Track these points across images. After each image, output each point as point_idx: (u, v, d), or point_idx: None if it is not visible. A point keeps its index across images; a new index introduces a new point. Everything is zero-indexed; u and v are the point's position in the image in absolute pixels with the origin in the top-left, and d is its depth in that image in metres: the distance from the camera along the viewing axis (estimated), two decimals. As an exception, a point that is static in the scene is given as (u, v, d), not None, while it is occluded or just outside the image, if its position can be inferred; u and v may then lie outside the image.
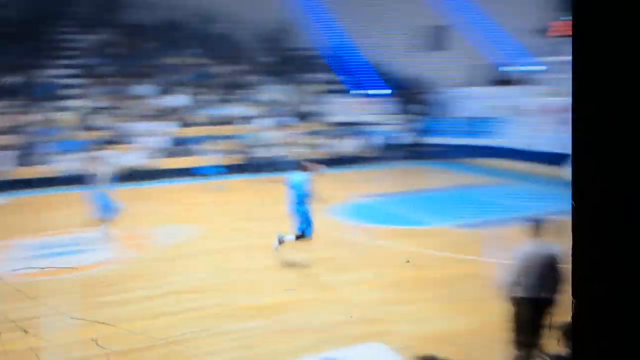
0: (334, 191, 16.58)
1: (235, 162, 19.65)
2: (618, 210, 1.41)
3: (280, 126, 21.87)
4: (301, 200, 9.13)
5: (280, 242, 9.20)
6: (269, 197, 15.51)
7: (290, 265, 9.05)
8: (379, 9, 24.67)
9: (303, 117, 23.30)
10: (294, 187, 9.20)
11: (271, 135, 20.95)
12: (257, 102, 23.45)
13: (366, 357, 5.95)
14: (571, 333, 2.12)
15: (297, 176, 9.29)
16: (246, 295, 7.65)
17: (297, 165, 9.66)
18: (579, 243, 1.53)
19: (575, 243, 1.54)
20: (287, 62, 27.07)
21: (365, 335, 6.32)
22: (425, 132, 23.37)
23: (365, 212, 13.41)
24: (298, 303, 7.24)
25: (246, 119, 22.12)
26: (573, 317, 1.58)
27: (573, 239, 1.53)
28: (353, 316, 6.88)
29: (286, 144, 20.62)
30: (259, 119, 22.05)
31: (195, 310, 7.04)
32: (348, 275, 8.54)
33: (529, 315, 5.09)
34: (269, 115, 22.36)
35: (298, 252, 9.55)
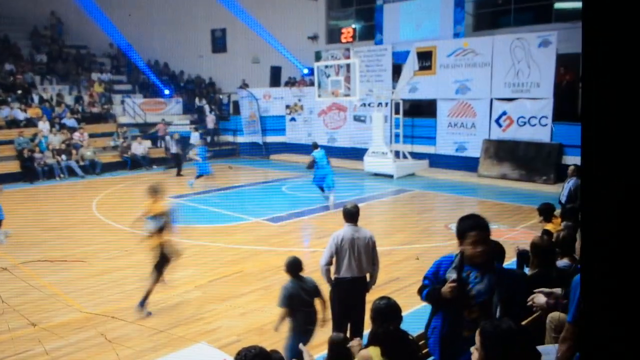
0: (144, 193, 15.91)
1: (12, 170, 17.50)
2: (628, 212, 1.46)
3: (63, 129, 19.94)
4: (327, 170, 12.90)
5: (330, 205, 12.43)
6: (53, 205, 14.33)
7: (109, 271, 8.56)
8: (161, 10, 24.28)
9: (87, 118, 21.57)
10: (320, 160, 12.86)
11: (52, 139, 18.98)
12: (34, 104, 21.02)
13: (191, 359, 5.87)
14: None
15: (319, 152, 12.97)
16: (62, 310, 6.97)
17: (314, 145, 13.51)
18: (588, 248, 1.57)
19: (584, 247, 1.58)
20: (66, 61, 24.86)
21: (191, 336, 6.24)
22: (218, 131, 23.48)
23: (178, 213, 13.10)
24: (121, 311, 6.80)
25: (23, 122, 19.70)
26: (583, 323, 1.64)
27: (582, 243, 1.60)
28: (179, 318, 6.73)
29: (70, 147, 18.91)
30: (37, 121, 19.71)
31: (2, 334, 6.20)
32: (168, 277, 8.28)
33: (348, 294, 5.50)
34: (49, 118, 20.15)
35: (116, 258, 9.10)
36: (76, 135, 19.56)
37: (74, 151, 18.82)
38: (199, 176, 16.04)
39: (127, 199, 15.13)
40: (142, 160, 19.86)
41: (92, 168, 18.72)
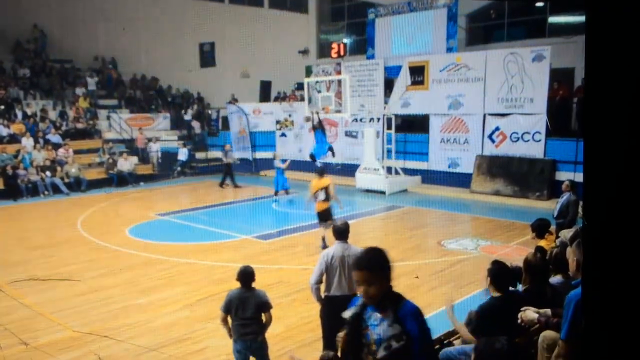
0: (130, 211, 15.98)
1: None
2: (629, 226, 1.51)
3: (47, 145, 19.90)
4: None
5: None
6: (38, 223, 14.33)
7: (95, 290, 8.59)
8: (147, 23, 24.49)
9: (72, 134, 21.59)
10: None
11: (36, 155, 18.96)
12: (17, 119, 21.01)
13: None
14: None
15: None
16: (48, 330, 7.00)
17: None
18: (589, 260, 1.61)
19: (585, 260, 1.63)
20: (50, 75, 24.92)
21: (179, 355, 6.29)
22: (205, 147, 23.60)
23: (165, 231, 13.18)
24: (108, 330, 6.85)
25: (6, 138, 19.65)
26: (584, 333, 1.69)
27: (584, 255, 1.65)
28: (167, 337, 6.77)
29: (54, 164, 18.88)
30: (20, 137, 19.68)
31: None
32: (156, 295, 8.35)
33: (339, 313, 5.57)
34: (33, 134, 20.09)
35: (102, 276, 9.14)
36: (61, 151, 19.58)
37: (58, 168, 18.82)
38: (284, 190, 16.30)
39: (113, 216, 15.15)
40: (128, 177, 19.89)
41: (77, 185, 18.72)
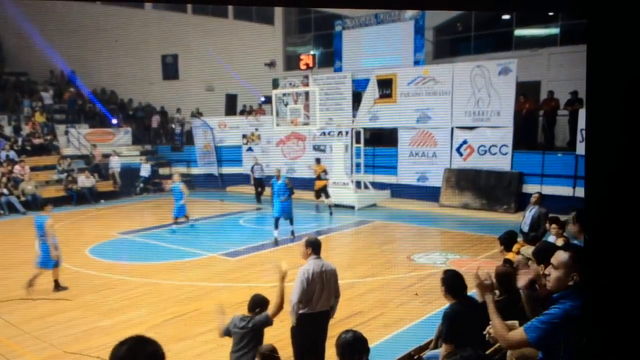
0: (91, 230, 15.73)
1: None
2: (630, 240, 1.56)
3: (2, 162, 19.47)
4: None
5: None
6: None
7: (53, 313, 8.48)
8: (105, 35, 24.28)
9: (28, 150, 21.16)
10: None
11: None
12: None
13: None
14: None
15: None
16: (7, 355, 6.87)
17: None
18: (593, 272, 1.66)
19: (589, 272, 1.69)
20: (4, 89, 24.42)
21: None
22: (169, 162, 23.43)
23: (128, 250, 13.03)
24: (71, 355, 6.76)
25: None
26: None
27: (588, 269, 1.71)
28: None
29: (10, 182, 18.47)
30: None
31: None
32: (119, 317, 8.27)
33: (316, 329, 5.65)
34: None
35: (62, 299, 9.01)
36: (16, 168, 19.18)
37: (14, 186, 18.42)
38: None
39: (73, 236, 14.89)
40: (88, 195, 19.58)
41: (34, 203, 18.33)
